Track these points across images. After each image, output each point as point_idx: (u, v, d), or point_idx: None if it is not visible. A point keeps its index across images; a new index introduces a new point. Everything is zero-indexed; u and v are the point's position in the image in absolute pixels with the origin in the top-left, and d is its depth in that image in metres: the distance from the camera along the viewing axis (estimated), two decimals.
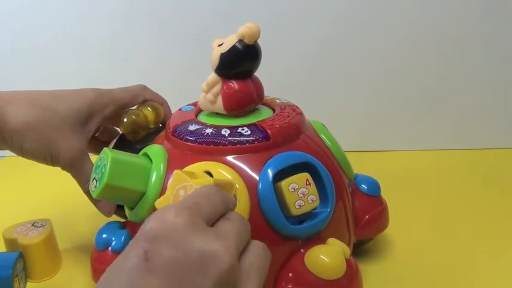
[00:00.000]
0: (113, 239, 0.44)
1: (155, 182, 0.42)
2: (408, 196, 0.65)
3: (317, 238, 0.41)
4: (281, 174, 0.40)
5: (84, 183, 0.50)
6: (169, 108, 0.55)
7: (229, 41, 0.44)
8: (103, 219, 0.49)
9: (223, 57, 0.44)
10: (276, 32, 0.74)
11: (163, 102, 0.55)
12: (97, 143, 0.55)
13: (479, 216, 0.60)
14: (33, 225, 0.52)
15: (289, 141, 0.43)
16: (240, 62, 0.44)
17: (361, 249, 0.52)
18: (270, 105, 0.49)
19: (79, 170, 0.50)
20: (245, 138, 0.42)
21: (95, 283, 0.40)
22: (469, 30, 0.74)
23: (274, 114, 0.46)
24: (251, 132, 0.43)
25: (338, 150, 0.48)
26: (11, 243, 0.50)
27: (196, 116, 0.48)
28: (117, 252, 0.43)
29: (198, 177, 0.37)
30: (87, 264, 0.46)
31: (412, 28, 0.75)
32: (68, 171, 0.50)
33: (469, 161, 0.76)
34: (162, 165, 0.42)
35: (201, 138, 0.43)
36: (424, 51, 0.76)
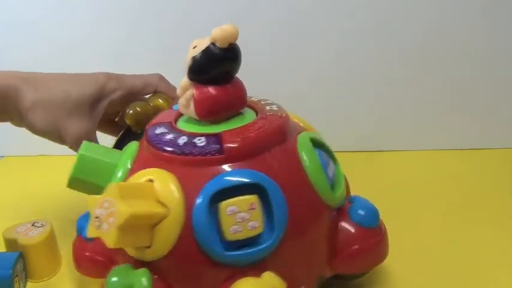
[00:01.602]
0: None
1: (119, 179, 0.41)
2: (409, 196, 0.64)
3: (262, 267, 0.36)
4: (233, 192, 0.36)
5: None
6: None
7: (202, 44, 0.41)
8: None
9: (194, 61, 0.41)
10: (283, 31, 0.74)
11: (174, 98, 0.54)
12: (116, 128, 0.57)
13: (480, 216, 0.59)
14: (33, 225, 0.53)
15: (248, 157, 0.38)
16: (211, 67, 0.41)
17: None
18: (258, 110, 0.45)
19: None
20: (197, 150, 0.38)
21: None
22: (469, 31, 0.74)
23: (248, 123, 0.41)
24: (205, 143, 0.38)
25: (317, 173, 0.40)
26: (11, 243, 0.51)
27: (177, 119, 0.45)
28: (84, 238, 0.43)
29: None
30: None
31: (416, 29, 0.74)
32: (75, 150, 0.51)
33: (470, 161, 0.76)
34: (129, 162, 0.42)
35: (159, 144, 0.40)
36: (426, 52, 0.75)
